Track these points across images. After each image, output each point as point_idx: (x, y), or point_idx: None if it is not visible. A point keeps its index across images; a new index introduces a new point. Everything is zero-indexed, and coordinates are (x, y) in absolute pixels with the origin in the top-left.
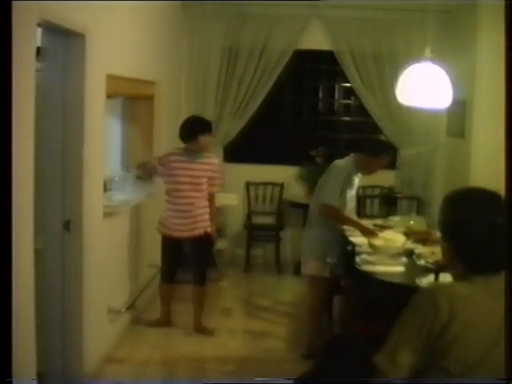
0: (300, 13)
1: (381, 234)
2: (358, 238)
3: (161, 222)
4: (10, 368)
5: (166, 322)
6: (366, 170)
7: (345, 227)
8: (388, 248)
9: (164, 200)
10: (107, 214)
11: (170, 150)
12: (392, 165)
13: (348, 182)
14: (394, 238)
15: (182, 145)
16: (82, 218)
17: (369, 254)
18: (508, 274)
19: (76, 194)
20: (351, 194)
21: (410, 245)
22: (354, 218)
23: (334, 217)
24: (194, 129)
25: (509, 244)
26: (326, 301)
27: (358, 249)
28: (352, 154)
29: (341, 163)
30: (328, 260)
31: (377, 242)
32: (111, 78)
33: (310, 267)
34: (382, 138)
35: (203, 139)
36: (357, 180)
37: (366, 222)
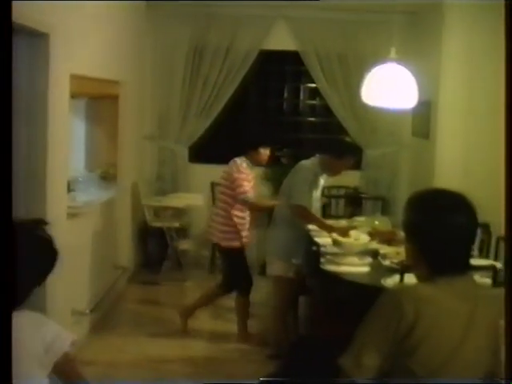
0: (265, 13)
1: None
2: (323, 239)
3: (243, 237)
4: (10, 369)
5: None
6: (331, 171)
7: (310, 227)
8: (352, 245)
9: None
10: (71, 215)
11: (244, 163)
12: (357, 165)
13: (314, 183)
14: (357, 237)
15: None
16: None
17: (334, 254)
18: (508, 272)
19: (39, 195)
20: (316, 194)
21: (375, 245)
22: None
23: (307, 218)
24: (257, 140)
25: (508, 241)
26: (292, 301)
27: (322, 249)
28: (317, 155)
29: (307, 164)
30: (293, 261)
31: (341, 238)
32: (75, 78)
33: (275, 268)
34: (347, 139)
35: (264, 152)
36: (322, 181)
37: (332, 223)
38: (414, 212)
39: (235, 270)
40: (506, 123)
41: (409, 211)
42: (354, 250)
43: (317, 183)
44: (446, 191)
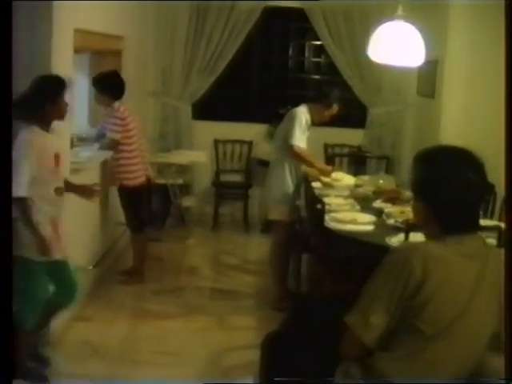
0: None
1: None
2: (329, 198)
3: None
4: (11, 368)
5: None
6: (318, 119)
7: (314, 185)
8: (337, 185)
9: None
10: (74, 171)
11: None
12: (361, 124)
13: (306, 129)
14: (342, 177)
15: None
16: None
17: (337, 212)
18: (507, 267)
19: None
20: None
21: (379, 204)
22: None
23: (303, 158)
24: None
25: (508, 234)
26: (289, 246)
27: (327, 207)
28: (304, 104)
29: (302, 110)
30: (296, 203)
31: (326, 179)
32: (79, 33)
33: (276, 212)
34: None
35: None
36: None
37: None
38: (425, 169)
39: None
40: (505, 120)
41: (419, 168)
42: (339, 188)
43: (307, 130)
44: (458, 148)
